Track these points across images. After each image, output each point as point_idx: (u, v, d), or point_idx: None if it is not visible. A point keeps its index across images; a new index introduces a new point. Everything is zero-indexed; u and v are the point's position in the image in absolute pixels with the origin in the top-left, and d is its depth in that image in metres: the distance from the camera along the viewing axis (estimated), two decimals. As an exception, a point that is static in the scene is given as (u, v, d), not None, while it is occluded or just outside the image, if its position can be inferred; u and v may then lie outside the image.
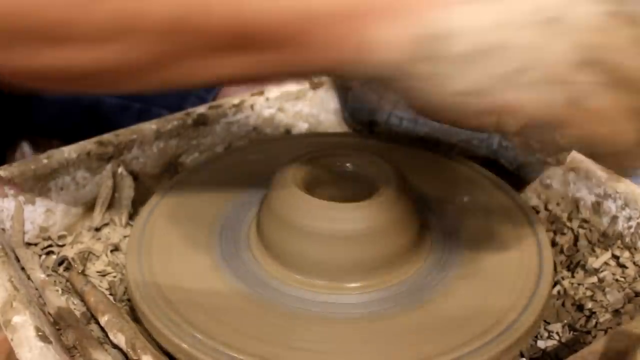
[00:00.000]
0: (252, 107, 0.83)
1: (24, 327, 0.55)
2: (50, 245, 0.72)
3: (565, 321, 0.62)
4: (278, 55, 0.44)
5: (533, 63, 0.44)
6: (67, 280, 0.67)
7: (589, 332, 0.61)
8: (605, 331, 0.60)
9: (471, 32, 0.44)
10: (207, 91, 1.02)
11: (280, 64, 0.45)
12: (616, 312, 0.62)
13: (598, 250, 0.68)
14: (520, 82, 0.44)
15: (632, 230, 0.67)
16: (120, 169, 0.75)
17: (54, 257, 0.70)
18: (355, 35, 0.43)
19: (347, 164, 0.66)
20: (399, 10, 0.43)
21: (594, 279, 0.66)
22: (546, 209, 0.74)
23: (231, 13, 0.42)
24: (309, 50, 0.44)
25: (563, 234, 0.71)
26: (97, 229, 0.74)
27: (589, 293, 0.65)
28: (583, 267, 0.67)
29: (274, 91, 0.83)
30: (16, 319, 0.56)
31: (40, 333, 0.55)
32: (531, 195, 0.76)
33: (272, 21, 0.42)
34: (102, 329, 0.61)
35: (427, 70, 0.44)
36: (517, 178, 0.77)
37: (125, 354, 0.58)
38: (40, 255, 0.71)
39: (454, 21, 0.44)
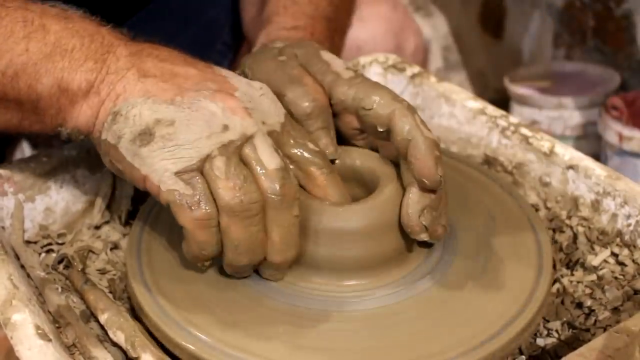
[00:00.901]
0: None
1: (24, 325, 0.55)
2: (49, 244, 0.72)
3: (565, 319, 0.62)
4: (38, 116, 0.62)
5: (180, 153, 0.56)
6: (67, 279, 0.67)
7: (588, 330, 0.61)
8: (605, 329, 0.61)
9: (137, 118, 0.57)
10: None
11: (36, 121, 0.62)
12: (615, 310, 0.62)
13: (597, 248, 0.68)
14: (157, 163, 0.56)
15: (631, 228, 0.67)
16: (120, 167, 0.75)
17: (54, 255, 0.70)
18: (71, 110, 0.61)
19: (348, 163, 0.66)
20: (101, 96, 0.59)
21: (593, 277, 0.66)
22: (545, 207, 0.74)
23: (30, 88, 0.60)
24: (60, 116, 0.61)
25: (562, 232, 0.71)
26: (97, 227, 0.74)
27: (588, 291, 0.65)
28: (582, 265, 0.67)
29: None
30: (16, 317, 0.56)
31: (39, 331, 0.55)
32: (530, 194, 0.76)
33: (45, 96, 0.60)
34: (102, 326, 0.61)
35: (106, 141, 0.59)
36: (515, 176, 0.77)
37: (124, 352, 0.58)
38: (39, 254, 0.71)
39: (134, 107, 0.57)
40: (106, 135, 0.59)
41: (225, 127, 0.57)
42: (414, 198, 0.60)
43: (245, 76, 0.68)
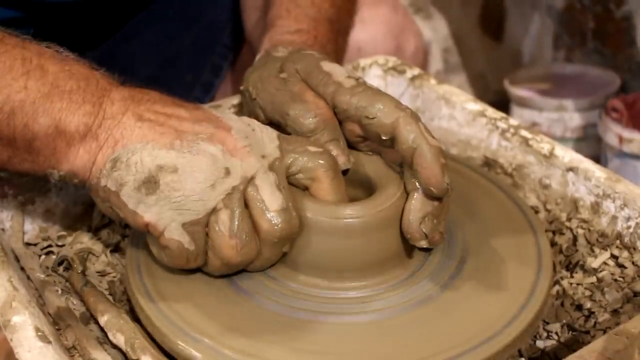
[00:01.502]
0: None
1: (24, 327, 0.55)
2: (49, 246, 0.72)
3: (564, 321, 0.62)
4: (31, 155, 0.61)
5: (188, 204, 0.57)
6: (67, 280, 0.67)
7: (587, 332, 0.61)
8: (604, 331, 0.61)
9: (139, 165, 0.57)
10: (205, 92, 1.02)
11: (27, 160, 0.61)
12: (615, 312, 0.62)
13: (597, 250, 0.68)
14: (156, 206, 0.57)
15: (631, 230, 0.67)
16: (120, 169, 0.75)
17: (54, 257, 0.70)
18: (66, 152, 0.60)
19: (353, 167, 0.66)
20: (99, 141, 0.59)
21: (593, 279, 0.66)
22: (545, 209, 0.74)
23: (25, 126, 0.59)
24: (53, 158, 0.60)
25: (562, 234, 0.71)
26: (97, 230, 0.74)
27: (587, 293, 0.65)
28: (582, 267, 0.67)
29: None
30: (16, 319, 0.56)
31: (39, 333, 0.55)
32: (530, 196, 0.76)
33: (41, 136, 0.59)
34: (102, 329, 0.61)
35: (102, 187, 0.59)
36: (515, 178, 0.77)
37: (124, 354, 0.58)
38: (39, 256, 0.71)
39: (134, 154, 0.57)
40: (106, 182, 0.58)
41: (227, 171, 0.58)
42: (417, 205, 0.60)
43: (250, 94, 0.69)
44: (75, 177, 0.61)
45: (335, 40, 0.80)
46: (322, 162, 0.61)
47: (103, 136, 0.59)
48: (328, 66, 0.67)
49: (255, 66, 0.72)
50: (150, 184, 0.57)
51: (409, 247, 0.62)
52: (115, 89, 0.61)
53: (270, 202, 0.58)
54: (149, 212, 0.57)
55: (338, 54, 0.81)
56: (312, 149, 0.62)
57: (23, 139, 0.60)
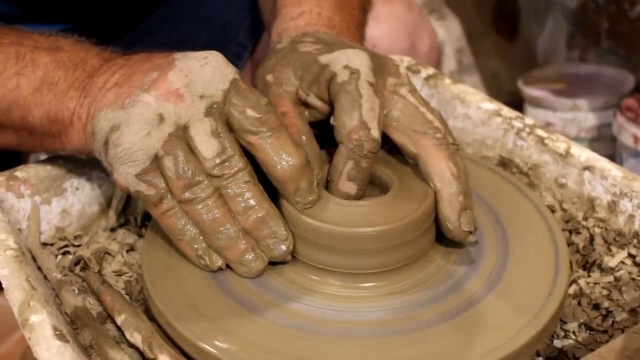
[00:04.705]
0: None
1: (42, 326, 0.55)
2: (66, 246, 0.72)
3: (582, 320, 0.62)
4: (37, 141, 0.68)
5: (132, 156, 0.59)
6: (83, 280, 0.68)
7: (605, 332, 0.61)
8: (622, 330, 0.60)
9: (100, 132, 0.61)
10: None
11: (36, 145, 0.69)
12: (633, 311, 0.62)
13: (614, 249, 0.68)
14: (121, 167, 0.60)
15: (648, 229, 0.67)
16: (136, 170, 0.76)
17: (70, 257, 0.70)
18: (64, 135, 0.66)
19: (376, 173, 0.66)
20: (82, 120, 0.64)
21: (610, 278, 0.65)
22: (562, 208, 0.74)
23: (23, 119, 0.66)
24: (57, 140, 0.67)
25: (579, 233, 0.71)
26: (113, 229, 0.74)
27: (605, 292, 0.64)
28: (599, 266, 0.67)
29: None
30: (33, 318, 0.56)
31: (57, 332, 0.55)
32: (546, 195, 0.76)
33: (38, 126, 0.66)
34: (119, 328, 0.61)
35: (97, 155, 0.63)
36: (531, 177, 0.77)
37: (141, 353, 0.58)
38: (56, 256, 0.71)
39: (98, 123, 0.61)
40: (94, 154, 0.63)
41: (161, 117, 0.59)
42: (449, 206, 0.61)
43: (266, 83, 0.68)
44: (83, 153, 0.67)
45: (344, 10, 0.79)
46: (254, 128, 0.61)
47: (84, 115, 0.63)
48: (326, 58, 0.65)
49: (263, 59, 0.71)
50: (106, 145, 0.60)
51: (423, 248, 0.62)
52: (100, 67, 0.64)
53: (205, 150, 0.59)
54: (113, 170, 0.61)
55: (350, 23, 0.79)
56: (249, 112, 0.61)
57: (24, 129, 0.67)
